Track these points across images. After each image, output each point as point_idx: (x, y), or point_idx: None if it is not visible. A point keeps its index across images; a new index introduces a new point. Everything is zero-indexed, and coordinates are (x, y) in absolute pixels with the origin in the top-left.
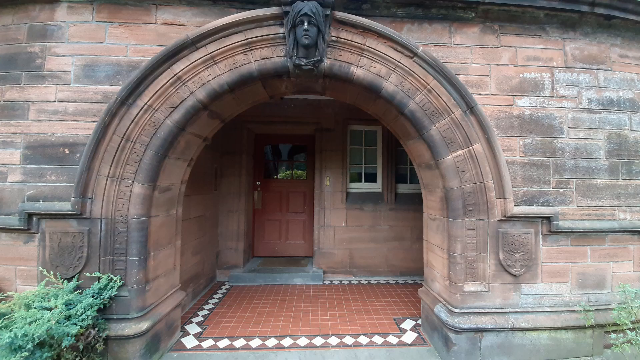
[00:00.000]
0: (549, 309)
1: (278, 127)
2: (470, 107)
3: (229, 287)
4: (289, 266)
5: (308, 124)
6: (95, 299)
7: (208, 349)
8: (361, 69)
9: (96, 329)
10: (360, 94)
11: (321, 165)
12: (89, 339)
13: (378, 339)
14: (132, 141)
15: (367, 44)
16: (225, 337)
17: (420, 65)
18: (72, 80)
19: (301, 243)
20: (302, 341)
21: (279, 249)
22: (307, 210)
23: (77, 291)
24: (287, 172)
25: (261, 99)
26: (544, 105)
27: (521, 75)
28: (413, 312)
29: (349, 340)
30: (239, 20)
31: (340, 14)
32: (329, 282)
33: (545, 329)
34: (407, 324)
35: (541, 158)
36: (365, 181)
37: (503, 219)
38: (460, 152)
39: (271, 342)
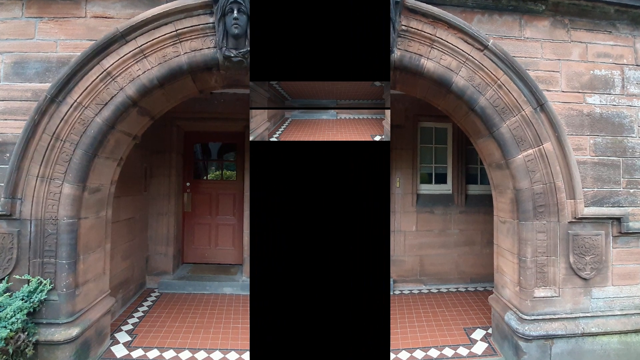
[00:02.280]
0: (619, 312)
1: (207, 123)
2: (540, 104)
3: (158, 294)
4: (218, 274)
5: (238, 120)
6: (25, 302)
7: (137, 359)
8: (431, 62)
9: (26, 333)
10: (430, 88)
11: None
12: (19, 343)
13: (448, 351)
14: (61, 140)
15: (437, 35)
16: (155, 347)
17: (491, 59)
18: (2, 79)
19: (230, 249)
20: (232, 356)
21: (209, 255)
22: (237, 214)
23: (7, 294)
24: (217, 172)
25: (190, 93)
26: (614, 103)
27: (591, 72)
28: (483, 321)
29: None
30: (169, 10)
31: (410, 2)
32: (399, 292)
33: (615, 333)
34: (478, 333)
35: (611, 157)
36: (435, 182)
37: (573, 220)
38: (530, 151)
39: (201, 355)
